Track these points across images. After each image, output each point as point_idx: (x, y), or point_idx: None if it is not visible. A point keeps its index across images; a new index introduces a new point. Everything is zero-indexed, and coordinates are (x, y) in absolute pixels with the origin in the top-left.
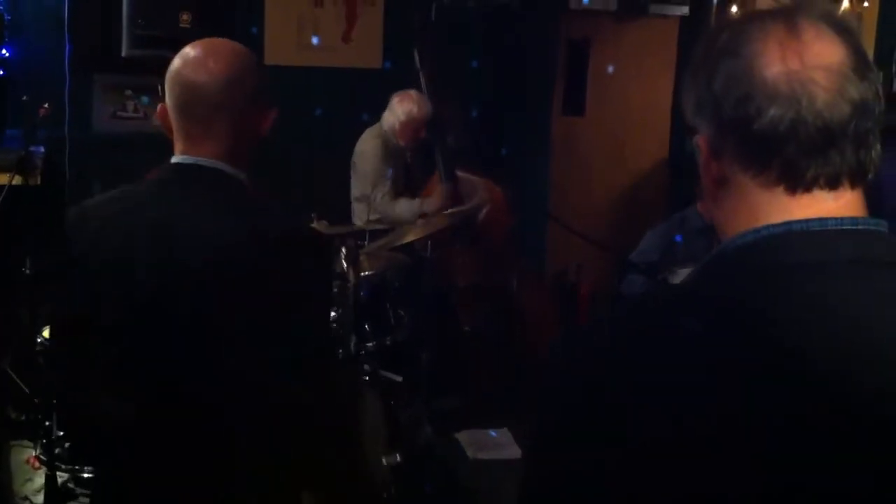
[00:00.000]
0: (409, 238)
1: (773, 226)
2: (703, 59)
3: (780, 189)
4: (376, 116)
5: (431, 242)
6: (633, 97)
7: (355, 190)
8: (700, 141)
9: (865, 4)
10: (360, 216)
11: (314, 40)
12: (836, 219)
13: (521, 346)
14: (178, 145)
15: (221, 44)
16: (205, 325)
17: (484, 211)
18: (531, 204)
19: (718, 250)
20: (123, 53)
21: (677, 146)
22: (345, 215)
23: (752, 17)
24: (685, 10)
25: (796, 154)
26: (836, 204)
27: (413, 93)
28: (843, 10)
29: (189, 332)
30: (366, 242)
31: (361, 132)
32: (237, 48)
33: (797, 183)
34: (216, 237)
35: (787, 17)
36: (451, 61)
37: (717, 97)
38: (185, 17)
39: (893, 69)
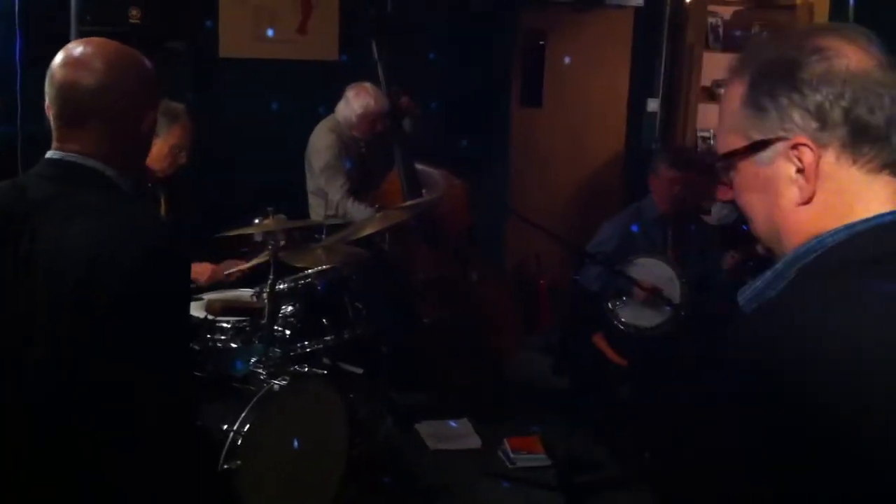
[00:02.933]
0: (368, 231)
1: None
2: (782, 70)
3: (886, 174)
4: (333, 109)
5: (390, 235)
6: (591, 88)
7: (310, 184)
8: (799, 143)
9: None
10: (317, 210)
11: (269, 32)
12: None
13: (481, 339)
14: (53, 141)
15: (101, 45)
16: (52, 325)
17: (442, 203)
18: (491, 196)
19: (809, 248)
20: None
21: (634, 137)
22: (303, 209)
23: (817, 30)
24: (640, 1)
25: None
26: None
27: (369, 85)
28: (797, 3)
29: (36, 330)
30: (323, 236)
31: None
32: (119, 50)
33: None
34: (74, 237)
35: (843, 30)
36: (409, 53)
37: (820, 97)
38: (134, 12)
39: None
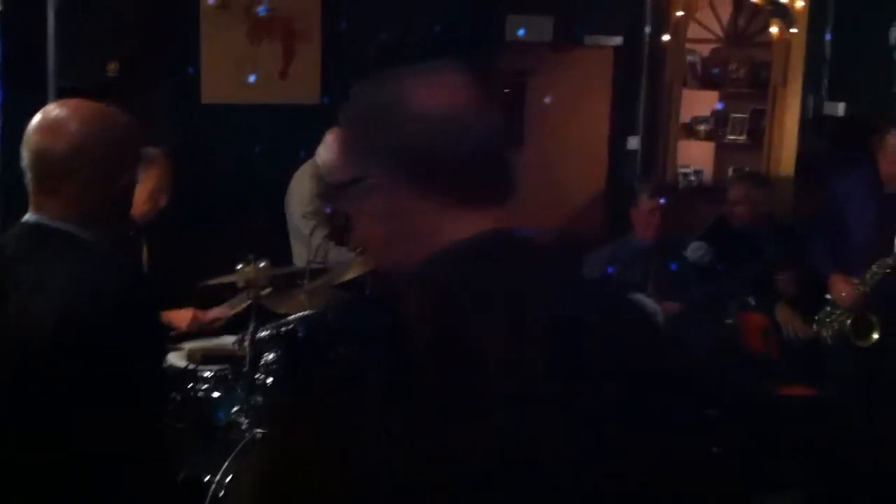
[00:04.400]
0: (350, 275)
1: None
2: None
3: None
4: (314, 153)
5: (373, 278)
6: (572, 127)
7: (291, 229)
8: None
9: (793, 30)
10: (298, 255)
11: (251, 78)
12: None
13: None
14: (30, 203)
15: (76, 107)
16: (26, 385)
17: None
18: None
19: None
20: None
21: (615, 175)
22: (286, 254)
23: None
24: (619, 40)
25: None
26: None
27: None
28: (771, 36)
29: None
30: (306, 281)
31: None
32: (94, 111)
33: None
34: (40, 304)
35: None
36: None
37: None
38: (112, 66)
39: (823, 93)
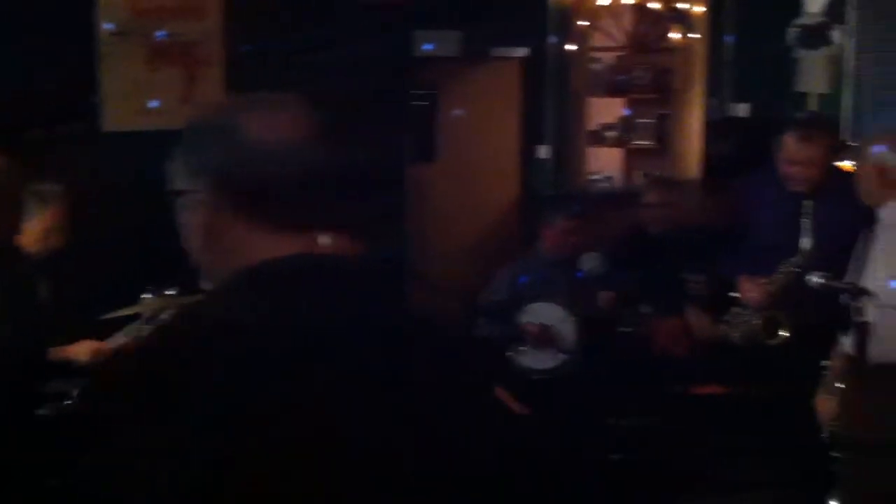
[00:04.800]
0: None
1: None
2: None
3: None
4: None
5: None
6: (484, 139)
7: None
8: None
9: (693, 35)
10: (205, 282)
11: (153, 104)
12: None
13: None
14: None
15: None
16: None
17: None
18: (393, 258)
19: None
20: None
21: (528, 184)
22: (195, 280)
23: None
24: (524, 51)
25: None
26: None
27: None
28: (673, 42)
29: None
30: None
31: None
32: None
33: None
34: None
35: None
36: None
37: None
38: None
39: (727, 95)
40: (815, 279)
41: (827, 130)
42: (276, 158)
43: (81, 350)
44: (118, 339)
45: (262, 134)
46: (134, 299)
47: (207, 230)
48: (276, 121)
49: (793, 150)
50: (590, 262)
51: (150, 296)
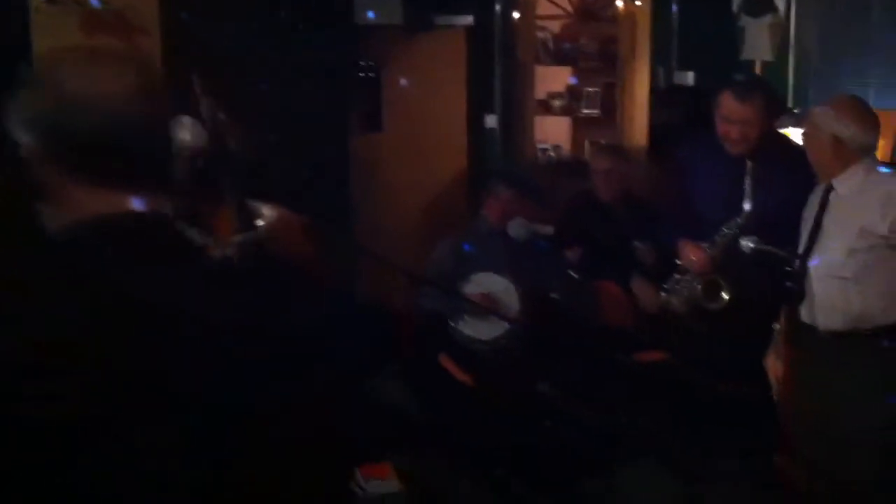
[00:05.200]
0: None
1: None
2: None
3: None
4: None
5: None
6: (430, 109)
7: None
8: None
9: (638, 3)
10: None
11: None
12: None
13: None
14: None
15: None
16: None
17: (275, 238)
18: (337, 229)
19: None
20: None
21: (476, 154)
22: None
23: None
24: (469, 19)
25: None
26: None
27: (185, 119)
28: (618, 10)
29: None
30: None
31: None
32: None
33: None
34: None
35: None
36: (240, 85)
37: None
38: None
39: (672, 64)
40: (747, 243)
41: (764, 91)
42: (96, 114)
43: None
44: None
45: (86, 89)
46: None
47: (42, 185)
48: (101, 76)
49: (730, 108)
50: (517, 229)
51: None
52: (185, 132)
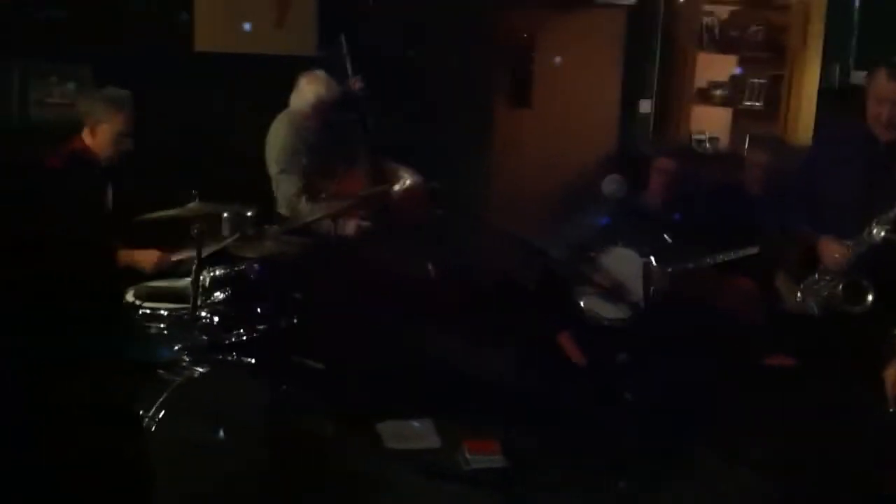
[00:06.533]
0: (310, 219)
1: None
2: None
3: None
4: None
5: (337, 225)
6: (582, 89)
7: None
8: None
9: None
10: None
11: (246, 26)
12: None
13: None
14: None
15: None
16: None
17: (395, 199)
18: (464, 198)
19: None
20: None
21: (626, 139)
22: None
23: None
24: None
25: None
26: None
27: (320, 73)
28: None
29: None
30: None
31: None
32: None
33: None
34: None
35: None
36: (387, 49)
37: None
38: None
39: (850, 61)
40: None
41: None
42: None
43: (147, 258)
44: (183, 253)
45: None
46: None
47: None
48: None
49: (883, 87)
50: (610, 185)
51: (189, 203)
52: (321, 85)
